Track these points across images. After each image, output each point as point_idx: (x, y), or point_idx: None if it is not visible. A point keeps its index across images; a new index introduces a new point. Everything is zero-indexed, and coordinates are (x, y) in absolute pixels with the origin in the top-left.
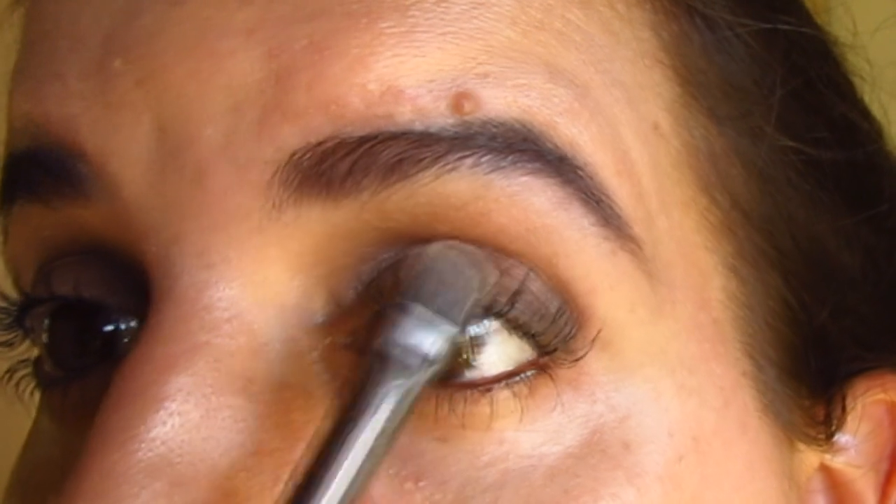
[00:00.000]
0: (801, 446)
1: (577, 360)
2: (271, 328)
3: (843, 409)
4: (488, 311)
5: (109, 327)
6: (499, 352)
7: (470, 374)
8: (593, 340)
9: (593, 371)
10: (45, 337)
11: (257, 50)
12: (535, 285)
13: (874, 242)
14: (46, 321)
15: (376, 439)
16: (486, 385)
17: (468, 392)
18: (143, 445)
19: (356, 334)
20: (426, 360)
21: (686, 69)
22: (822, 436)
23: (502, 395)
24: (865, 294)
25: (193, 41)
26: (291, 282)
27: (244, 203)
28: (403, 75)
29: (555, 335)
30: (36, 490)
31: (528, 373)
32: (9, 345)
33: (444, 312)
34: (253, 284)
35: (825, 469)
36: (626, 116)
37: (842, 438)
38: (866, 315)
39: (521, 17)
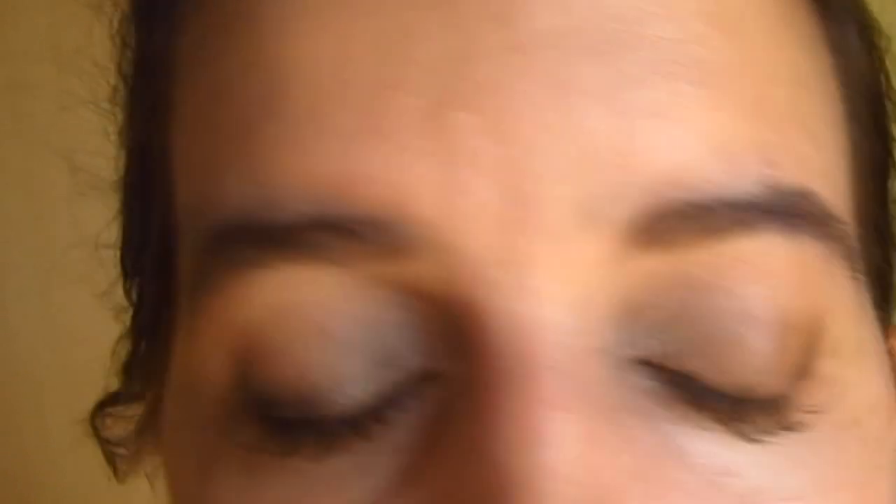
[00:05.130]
0: None
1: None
2: (608, 368)
3: None
4: None
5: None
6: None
7: None
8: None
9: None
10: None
11: (608, 108)
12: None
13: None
14: None
15: None
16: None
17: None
18: (570, 486)
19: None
20: None
21: (844, 82)
22: None
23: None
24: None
25: (544, 95)
26: (616, 324)
27: (593, 259)
28: (730, 141)
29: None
30: None
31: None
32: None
33: None
34: (594, 327)
35: None
36: (840, 161)
37: None
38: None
39: (791, 76)
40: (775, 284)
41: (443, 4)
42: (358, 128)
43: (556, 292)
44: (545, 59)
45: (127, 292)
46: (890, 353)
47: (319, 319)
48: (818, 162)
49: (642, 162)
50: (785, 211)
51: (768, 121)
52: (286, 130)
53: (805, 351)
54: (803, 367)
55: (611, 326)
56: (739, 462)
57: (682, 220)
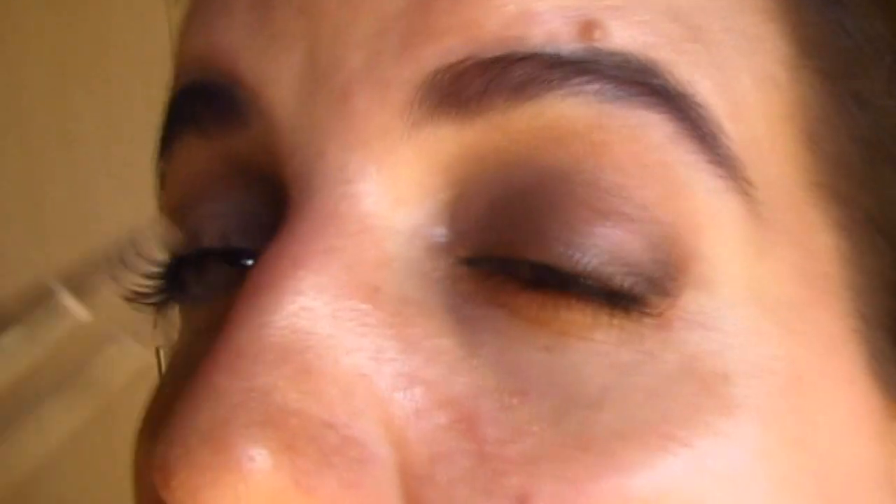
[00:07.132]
0: None
1: (675, 300)
2: (399, 245)
3: None
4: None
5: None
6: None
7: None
8: (693, 282)
9: (691, 306)
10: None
11: None
12: (648, 229)
13: None
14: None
15: None
16: (588, 297)
17: (572, 299)
18: (275, 331)
19: (477, 252)
20: None
21: (801, 26)
22: None
23: (603, 308)
24: None
25: None
26: (422, 203)
27: (384, 122)
28: (538, 0)
29: (653, 282)
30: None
31: (628, 298)
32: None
33: None
34: (387, 201)
35: None
36: (743, 63)
37: None
38: None
39: None
40: (612, 163)
41: None
42: (217, 7)
43: (343, 159)
44: None
45: None
46: None
47: (195, 187)
48: (687, 45)
49: (433, 23)
50: (612, 73)
51: None
52: (191, 15)
53: (660, 265)
54: (657, 286)
55: (413, 207)
56: (531, 377)
57: (483, 79)
